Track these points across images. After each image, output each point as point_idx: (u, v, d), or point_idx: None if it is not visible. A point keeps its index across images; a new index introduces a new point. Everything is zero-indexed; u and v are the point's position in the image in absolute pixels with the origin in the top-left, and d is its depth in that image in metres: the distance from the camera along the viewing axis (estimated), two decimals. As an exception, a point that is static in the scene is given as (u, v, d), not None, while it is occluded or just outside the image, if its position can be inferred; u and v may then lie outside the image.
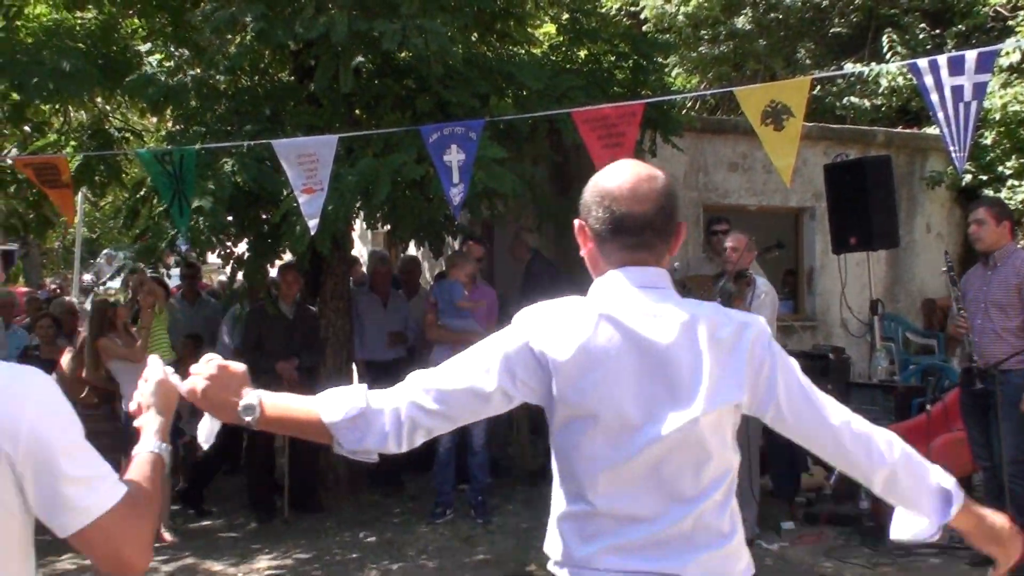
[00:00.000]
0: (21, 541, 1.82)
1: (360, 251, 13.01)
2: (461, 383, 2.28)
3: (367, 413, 2.26)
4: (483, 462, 8.17)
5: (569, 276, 10.22)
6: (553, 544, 2.35)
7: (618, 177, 2.34)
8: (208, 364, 2.26)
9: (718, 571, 2.25)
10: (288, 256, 8.77)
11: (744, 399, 2.24)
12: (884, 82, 13.99)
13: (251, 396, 2.28)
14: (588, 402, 2.21)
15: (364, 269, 10.96)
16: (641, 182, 2.31)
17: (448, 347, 8.34)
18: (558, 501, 2.35)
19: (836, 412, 2.28)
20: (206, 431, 2.33)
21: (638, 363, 2.21)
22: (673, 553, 2.21)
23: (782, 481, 7.85)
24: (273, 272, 9.19)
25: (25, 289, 18.17)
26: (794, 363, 2.31)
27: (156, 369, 2.23)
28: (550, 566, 2.36)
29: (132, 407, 2.22)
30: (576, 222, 2.42)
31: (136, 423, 2.17)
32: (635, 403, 2.20)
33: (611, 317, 2.24)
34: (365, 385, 2.33)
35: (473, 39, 8.57)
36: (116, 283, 9.75)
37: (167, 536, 7.70)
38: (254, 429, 2.29)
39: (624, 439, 2.21)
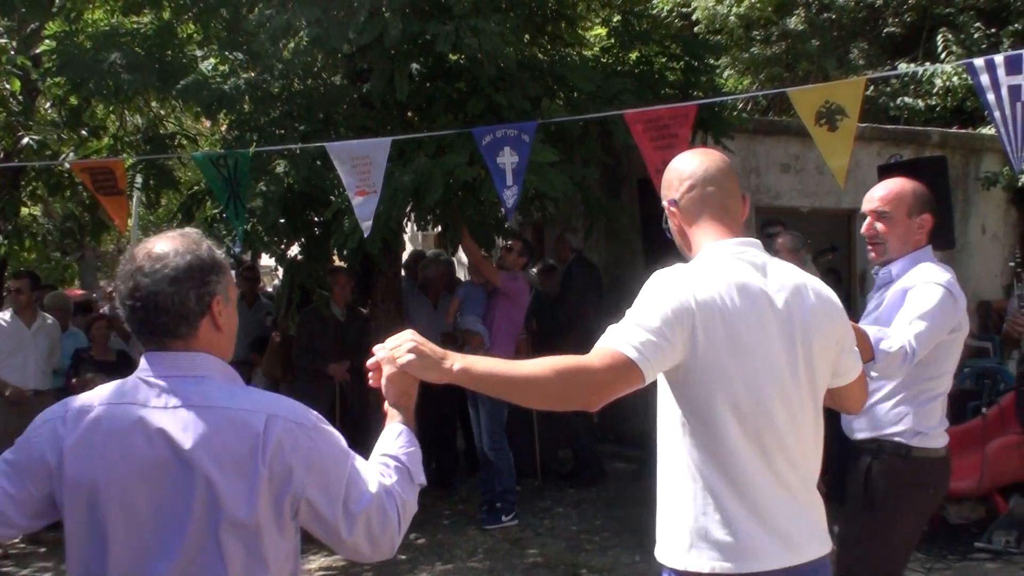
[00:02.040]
0: None
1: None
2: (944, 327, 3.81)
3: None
4: (492, 465, 8.12)
5: (618, 275, 10.20)
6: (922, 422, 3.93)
7: None
8: None
9: None
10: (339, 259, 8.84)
11: None
12: (938, 82, 13.80)
13: None
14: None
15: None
16: None
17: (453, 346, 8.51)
18: (931, 392, 3.96)
19: None
20: None
21: None
22: None
23: (836, 485, 7.76)
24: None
25: (80, 292, 18.42)
26: None
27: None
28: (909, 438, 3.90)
29: None
30: None
31: None
32: None
33: None
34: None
35: (525, 41, 8.57)
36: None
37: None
38: None
39: None
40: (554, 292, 9.60)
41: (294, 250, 8.80)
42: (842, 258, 11.12)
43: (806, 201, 10.85)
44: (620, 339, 2.44)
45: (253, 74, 7.95)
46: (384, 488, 2.28)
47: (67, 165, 9.75)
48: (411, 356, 2.39)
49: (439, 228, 9.28)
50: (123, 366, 9.11)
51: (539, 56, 8.66)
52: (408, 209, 7.71)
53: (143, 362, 2.25)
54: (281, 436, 2.16)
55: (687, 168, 2.77)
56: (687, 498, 2.54)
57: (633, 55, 9.08)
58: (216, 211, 8.65)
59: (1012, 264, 6.42)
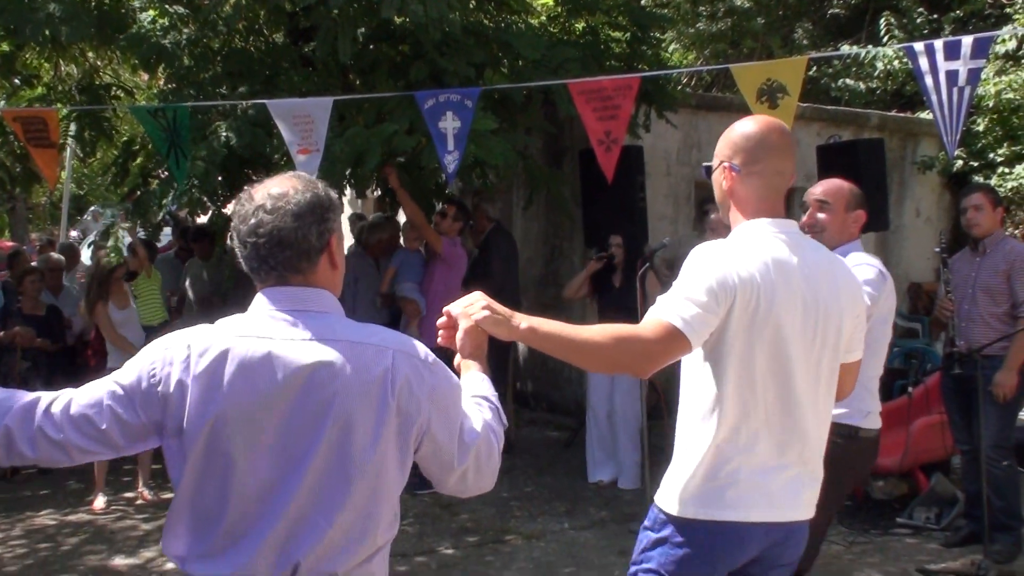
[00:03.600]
0: None
1: (345, 214, 12.96)
2: None
3: None
4: None
5: (557, 245, 10.21)
6: (865, 403, 4.18)
7: None
8: None
9: None
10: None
11: None
12: (880, 65, 13.95)
13: None
14: None
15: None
16: None
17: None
18: (869, 373, 4.03)
19: None
20: None
21: None
22: None
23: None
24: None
25: (10, 243, 18.07)
26: None
27: None
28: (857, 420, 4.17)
29: None
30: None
31: None
32: None
33: None
34: None
35: (470, 7, 8.50)
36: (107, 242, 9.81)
37: (147, 495, 7.72)
38: None
39: None
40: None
41: (231, 208, 8.69)
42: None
43: (746, 178, 10.91)
44: (670, 311, 2.64)
45: (193, 27, 7.80)
46: (487, 423, 2.42)
47: (-2, 114, 9.52)
48: (485, 312, 2.58)
49: (378, 192, 9.22)
50: (53, 320, 8.97)
51: (485, 22, 8.60)
52: (347, 175, 7.63)
53: (263, 298, 2.28)
54: (408, 371, 2.22)
55: (754, 137, 2.91)
56: (699, 453, 2.74)
57: (579, 25, 9.06)
58: (151, 165, 8.52)
59: (938, 250, 6.54)
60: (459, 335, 2.62)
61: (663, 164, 10.23)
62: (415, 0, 6.68)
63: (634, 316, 5.75)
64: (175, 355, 2.21)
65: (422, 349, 2.31)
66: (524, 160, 8.30)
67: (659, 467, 7.56)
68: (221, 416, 2.15)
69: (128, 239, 9.68)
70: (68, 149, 10.73)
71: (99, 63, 10.72)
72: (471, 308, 2.62)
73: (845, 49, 14.12)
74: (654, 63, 8.94)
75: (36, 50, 8.98)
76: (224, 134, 7.32)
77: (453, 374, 2.39)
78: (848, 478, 4.30)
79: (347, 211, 11.18)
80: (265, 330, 2.22)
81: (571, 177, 9.56)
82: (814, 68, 14.13)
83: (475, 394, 2.52)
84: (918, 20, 14.24)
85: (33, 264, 10.29)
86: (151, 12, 7.69)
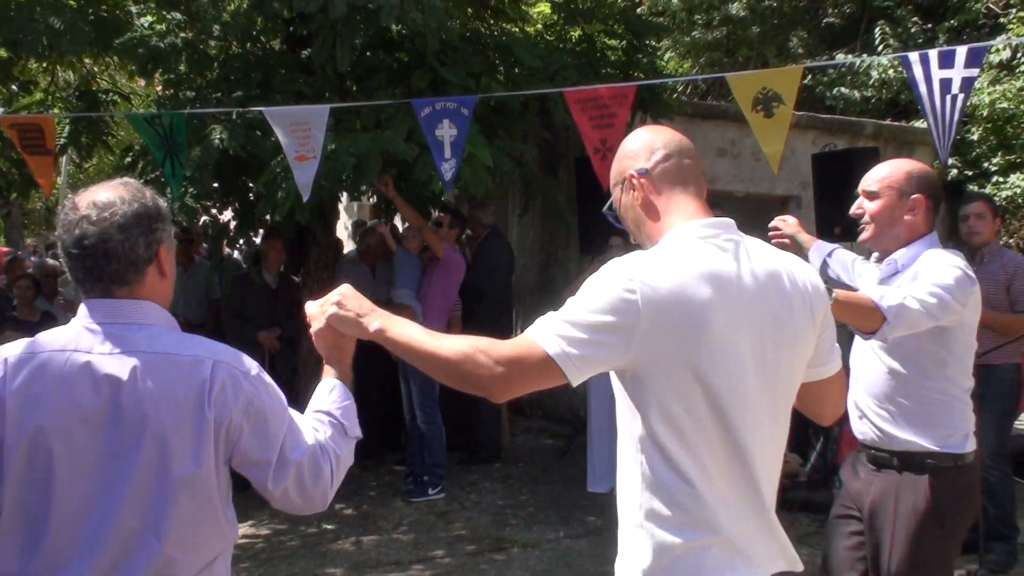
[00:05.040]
0: None
1: (344, 222, 12.97)
2: None
3: None
4: (422, 438, 8.14)
5: (552, 253, 10.21)
6: (964, 424, 3.62)
7: None
8: None
9: None
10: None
11: None
12: (875, 74, 14.01)
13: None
14: None
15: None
16: None
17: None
18: (962, 390, 3.63)
19: None
20: None
21: None
22: None
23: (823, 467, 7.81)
24: (258, 240, 9.17)
25: (6, 249, 18.03)
26: None
27: None
28: (961, 446, 3.56)
29: None
30: None
31: None
32: None
33: None
34: None
35: (468, 14, 8.52)
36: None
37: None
38: None
39: None
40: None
41: (227, 215, 8.69)
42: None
43: (741, 186, 10.95)
44: (545, 331, 2.21)
45: (190, 34, 7.80)
46: (318, 443, 2.32)
47: (-5, 119, 9.50)
48: (334, 309, 2.38)
49: (374, 198, 9.23)
50: (47, 327, 8.94)
51: (482, 30, 8.61)
52: (345, 180, 7.63)
53: (84, 310, 2.25)
54: (226, 381, 2.19)
55: (659, 138, 2.53)
56: (647, 512, 2.28)
57: (575, 33, 9.08)
58: (152, 173, 8.52)
59: None
60: (313, 336, 2.46)
61: (659, 172, 10.23)
62: (414, 7, 6.68)
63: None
64: None
65: (248, 362, 2.27)
66: (520, 168, 8.30)
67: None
68: (39, 431, 2.13)
69: None
70: (65, 154, 10.69)
71: (96, 69, 10.71)
72: (325, 305, 2.41)
73: (840, 58, 14.16)
74: (650, 71, 8.96)
75: (35, 58, 8.97)
76: (218, 137, 7.31)
77: (279, 392, 2.32)
78: (960, 520, 3.56)
79: (343, 219, 11.19)
80: (83, 343, 2.19)
81: (567, 185, 9.57)
82: (809, 77, 14.18)
83: (317, 408, 2.43)
84: (912, 29, 14.30)
85: (28, 271, 10.27)
86: (149, 17, 7.67)
